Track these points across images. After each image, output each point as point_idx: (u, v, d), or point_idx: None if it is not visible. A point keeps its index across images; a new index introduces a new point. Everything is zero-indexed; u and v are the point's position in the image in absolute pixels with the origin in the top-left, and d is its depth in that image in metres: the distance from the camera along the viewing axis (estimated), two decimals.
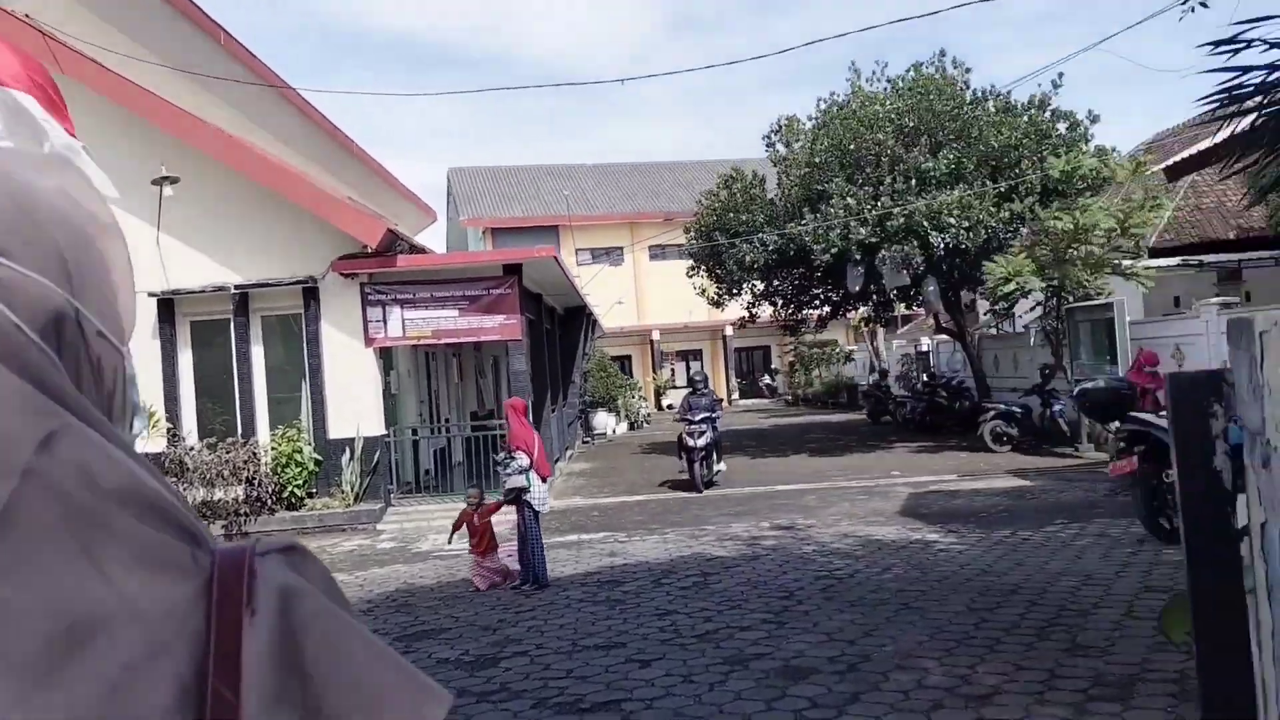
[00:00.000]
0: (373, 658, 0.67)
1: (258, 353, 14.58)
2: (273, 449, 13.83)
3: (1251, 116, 5.66)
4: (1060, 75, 19.69)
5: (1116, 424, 9.82)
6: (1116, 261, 16.99)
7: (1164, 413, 10.23)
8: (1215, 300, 15.02)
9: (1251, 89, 5.63)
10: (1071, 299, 17.30)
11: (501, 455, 9.08)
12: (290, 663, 0.63)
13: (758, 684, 5.88)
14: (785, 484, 15.35)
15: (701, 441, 14.89)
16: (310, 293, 14.35)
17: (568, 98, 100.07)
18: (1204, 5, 6.66)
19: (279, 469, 13.66)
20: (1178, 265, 19.75)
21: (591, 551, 10.87)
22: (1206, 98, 5.97)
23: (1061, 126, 18.95)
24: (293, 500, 13.69)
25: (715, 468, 15.58)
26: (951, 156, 18.21)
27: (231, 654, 0.61)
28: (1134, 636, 6.18)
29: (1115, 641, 6.09)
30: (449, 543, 10.10)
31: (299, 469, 13.77)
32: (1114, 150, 18.58)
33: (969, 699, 5.34)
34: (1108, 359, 15.89)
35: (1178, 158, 12.08)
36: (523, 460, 9.15)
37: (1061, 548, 9.27)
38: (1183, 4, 6.63)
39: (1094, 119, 18.88)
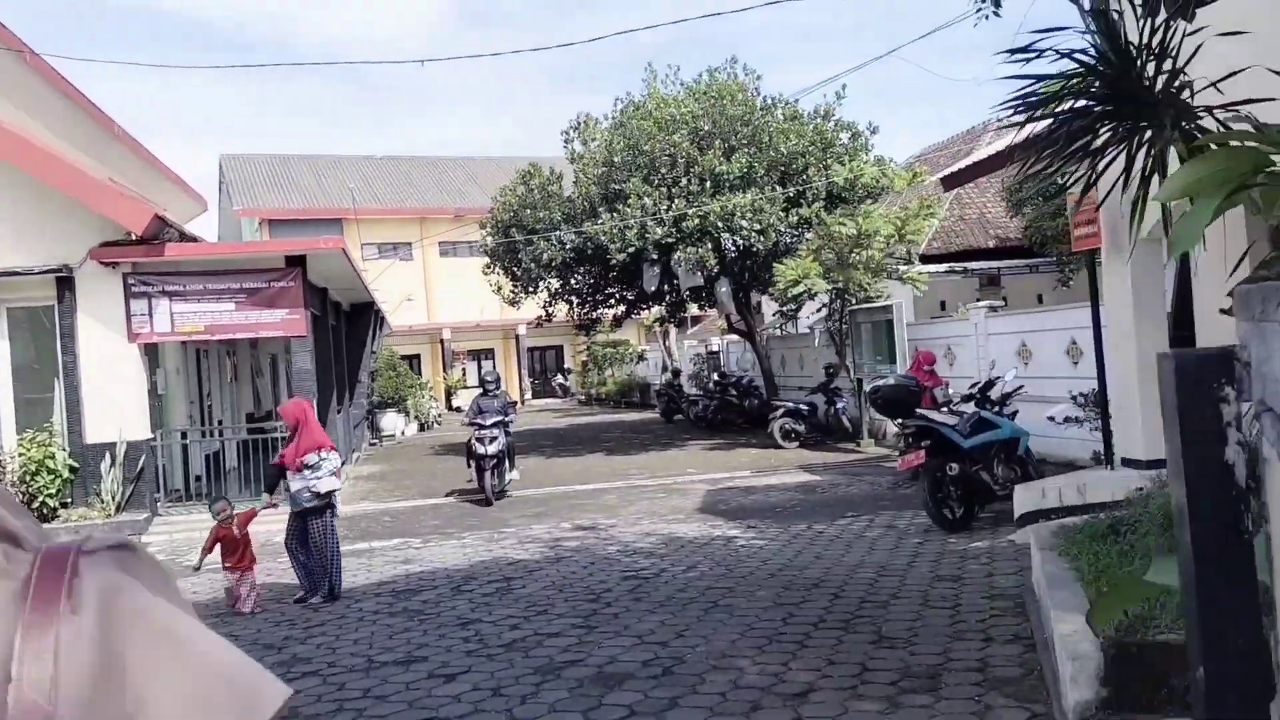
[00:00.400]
0: (203, 653, 0.66)
1: (2, 349, 13.02)
2: (20, 455, 12.38)
3: (1048, 122, 5.90)
4: (844, 87, 20.65)
5: (901, 420, 10.25)
6: (894, 266, 17.90)
7: (945, 409, 10.78)
8: (983, 304, 16.06)
9: (1042, 97, 5.89)
10: (854, 301, 18.09)
11: (312, 457, 8.36)
12: (111, 659, 0.63)
13: (572, 694, 5.63)
14: (584, 483, 15.20)
15: (493, 448, 13.55)
16: (65, 283, 12.94)
17: (354, 88, 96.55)
18: (996, 14, 6.95)
19: (28, 477, 12.24)
20: (945, 271, 21.09)
21: (385, 559, 10.30)
22: (1003, 103, 6.21)
23: (844, 136, 19.79)
24: (45, 511, 12.30)
25: (508, 476, 14.24)
26: (744, 161, 18.64)
27: (44, 653, 0.61)
28: (933, 626, 6.35)
29: (918, 632, 6.24)
30: (197, 568, 8.89)
31: (51, 477, 12.39)
32: (891, 161, 19.58)
33: (786, 697, 5.29)
34: (887, 358, 16.69)
35: (954, 168, 12.83)
36: (335, 460, 8.52)
37: (855, 540, 9.54)
38: (977, 11, 6.90)
39: (873, 130, 19.85)
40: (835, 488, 13.19)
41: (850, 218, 17.38)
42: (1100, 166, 6.10)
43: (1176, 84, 5.68)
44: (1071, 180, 6.12)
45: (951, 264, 21.77)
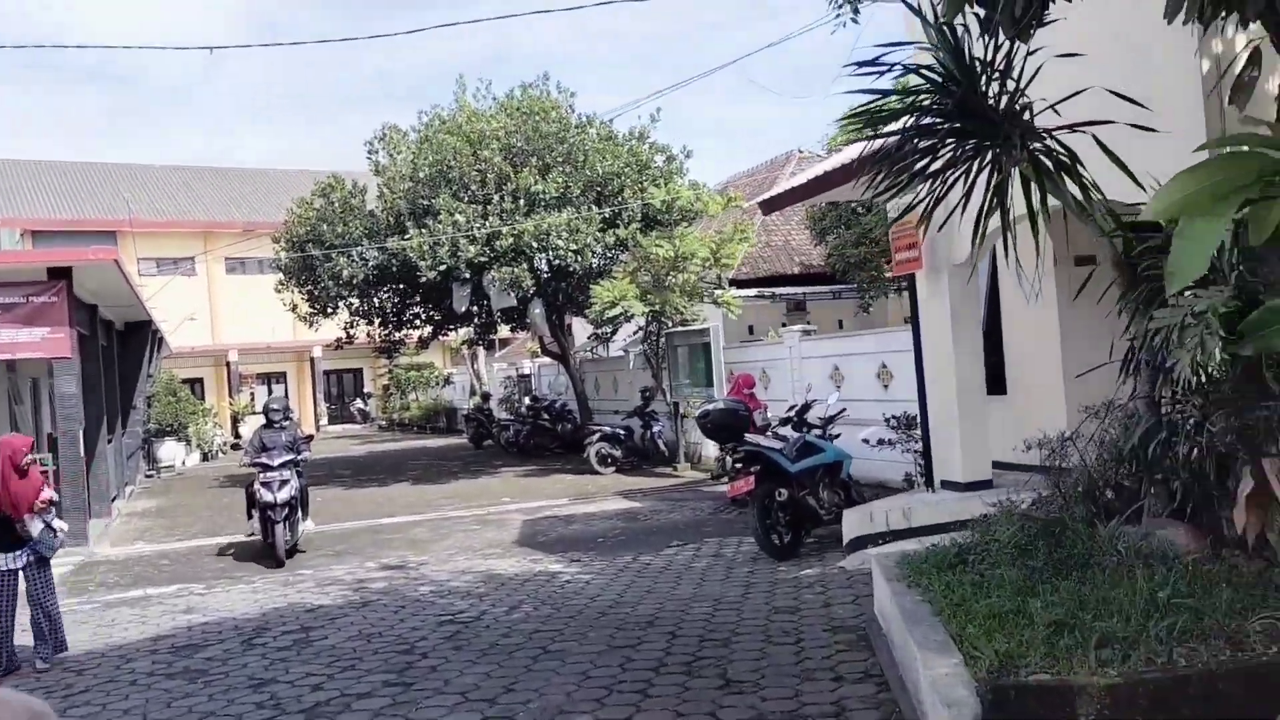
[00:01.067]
0: None
1: None
2: None
3: (885, 141, 5.71)
4: (658, 110, 20.52)
5: (730, 446, 10.00)
6: (709, 289, 17.89)
7: (769, 433, 10.62)
8: (796, 328, 16.20)
9: (888, 111, 5.70)
10: (670, 324, 17.94)
11: (37, 524, 7.21)
12: None
13: None
14: (390, 516, 14.24)
15: (283, 494, 10.86)
16: None
17: (132, 96, 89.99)
18: (855, 20, 6.81)
19: None
20: (754, 296, 21.39)
21: (162, 609, 9.12)
22: (848, 117, 6.00)
23: (659, 159, 19.69)
24: None
25: (301, 528, 11.48)
26: (560, 180, 18.20)
27: None
28: (780, 665, 6.00)
29: (764, 673, 5.86)
30: None
31: None
32: (704, 185, 19.63)
33: None
34: (704, 381, 16.58)
35: (774, 192, 12.83)
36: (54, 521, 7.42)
37: (685, 570, 9.17)
38: (835, 17, 6.74)
39: (688, 154, 19.86)
40: (657, 514, 12.84)
41: (667, 240, 17.23)
42: (940, 187, 5.99)
43: (1019, 104, 5.61)
44: (915, 200, 5.96)
45: (760, 289, 22.13)
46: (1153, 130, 5.45)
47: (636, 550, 10.38)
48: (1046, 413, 9.76)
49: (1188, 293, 4.69)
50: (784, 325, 20.25)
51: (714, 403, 9.73)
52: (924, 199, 5.94)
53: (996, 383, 10.15)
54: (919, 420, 9.38)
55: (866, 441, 12.00)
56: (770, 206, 12.79)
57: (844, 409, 10.59)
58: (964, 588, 5.09)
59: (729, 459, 10.50)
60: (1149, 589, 4.47)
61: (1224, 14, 4.52)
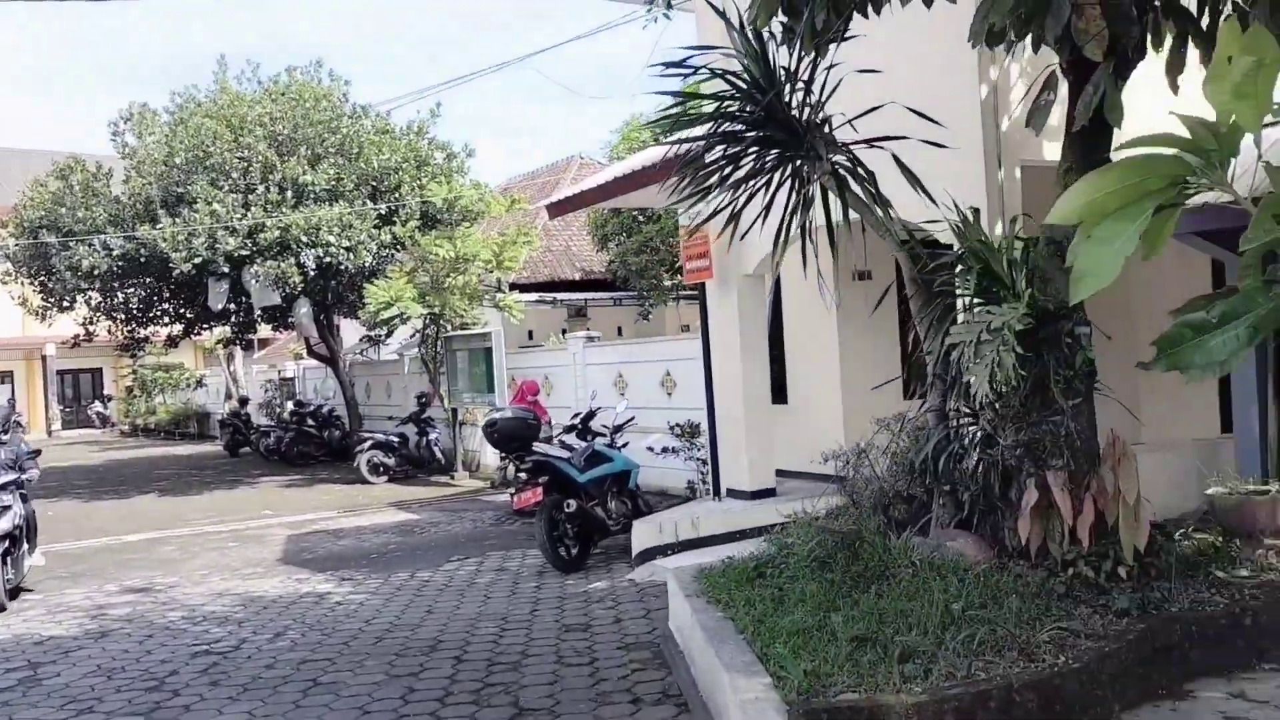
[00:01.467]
0: None
1: None
2: None
3: (699, 144, 5.59)
4: (438, 105, 19.87)
5: (516, 455, 9.64)
6: (491, 292, 17.46)
7: (557, 442, 10.36)
8: (580, 334, 16.05)
9: (693, 116, 5.57)
10: (450, 327, 17.36)
11: None
12: None
13: None
14: (134, 533, 12.93)
15: (3, 523, 8.71)
16: None
17: None
18: (667, 16, 6.64)
19: None
20: (535, 301, 21.13)
21: None
22: (655, 121, 5.83)
23: (440, 156, 19.06)
24: None
25: (27, 563, 9.58)
26: (331, 172, 17.24)
27: None
28: (574, 689, 5.72)
29: (560, 699, 5.57)
30: None
31: None
32: (487, 186, 19.16)
33: None
34: (485, 388, 16.13)
35: (562, 194, 12.59)
36: None
37: (467, 587, 8.74)
38: (648, 11, 6.55)
39: (470, 152, 19.34)
40: (435, 526, 12.29)
41: (448, 240, 16.65)
42: (743, 196, 5.92)
43: (819, 117, 5.62)
44: (718, 208, 5.87)
45: (541, 294, 21.88)
46: (943, 147, 5.60)
47: (414, 566, 9.84)
48: (825, 422, 10.04)
49: (979, 309, 4.81)
50: (564, 331, 20.11)
51: (501, 411, 9.37)
52: (726, 206, 5.86)
53: (778, 392, 10.36)
54: (708, 428, 9.39)
55: (651, 449, 11.99)
56: (558, 210, 12.55)
57: (633, 417, 10.50)
58: (765, 603, 5.00)
59: (512, 467, 10.16)
60: (944, 600, 4.52)
61: (1019, 39, 4.66)
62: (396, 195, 17.98)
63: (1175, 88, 4.69)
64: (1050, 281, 4.79)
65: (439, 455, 17.70)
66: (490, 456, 16.61)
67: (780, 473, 9.59)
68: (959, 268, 5.26)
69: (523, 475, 9.21)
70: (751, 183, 5.71)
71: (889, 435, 5.66)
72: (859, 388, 9.91)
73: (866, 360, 9.97)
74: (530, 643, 6.80)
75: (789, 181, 5.64)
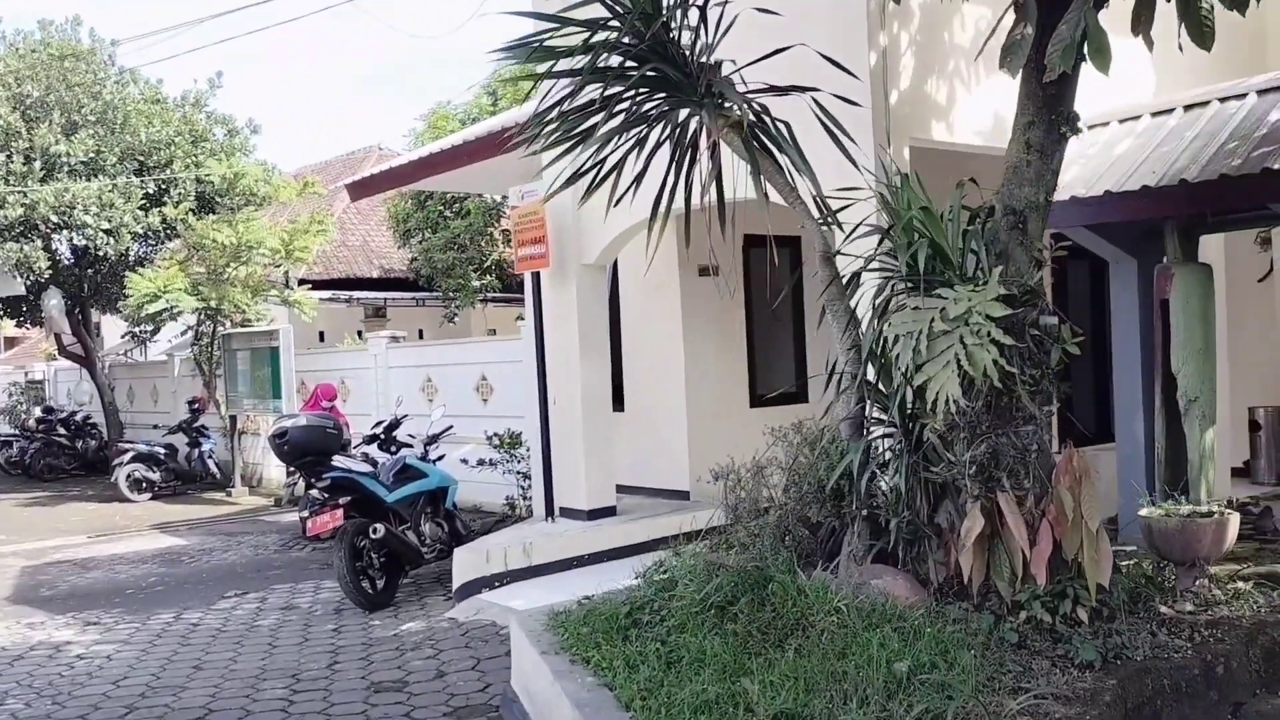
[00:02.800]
0: None
1: None
2: None
3: (569, 82, 4.45)
4: (219, 75, 17.65)
5: (311, 471, 8.13)
6: (278, 286, 15.60)
7: (361, 455, 8.91)
8: (384, 333, 14.48)
9: (560, 50, 4.44)
10: (229, 324, 15.37)
11: None
12: None
13: None
14: None
15: None
16: None
17: None
18: None
19: None
20: (328, 298, 19.29)
21: None
22: (505, 49, 4.65)
23: (220, 131, 16.97)
24: None
25: None
26: (90, 143, 14.91)
27: None
28: None
29: None
30: None
31: None
32: (275, 168, 17.20)
33: None
34: (270, 392, 14.28)
35: (364, 174, 11.08)
36: None
37: (247, 632, 7.21)
38: None
39: (255, 129, 17.34)
40: (208, 554, 10.50)
41: (228, 224, 14.69)
42: (614, 155, 4.84)
43: (713, 59, 4.62)
44: (580, 170, 4.75)
45: (335, 291, 20.03)
46: (857, 105, 4.72)
47: (180, 604, 8.16)
48: (667, 432, 9.10)
49: (925, 297, 3.92)
50: (360, 333, 18.40)
51: (293, 418, 7.83)
52: (589, 168, 4.76)
53: (614, 399, 9.31)
54: (540, 439, 8.21)
55: (465, 462, 10.70)
56: (361, 190, 11.05)
57: (450, 426, 9.18)
58: (651, 664, 3.91)
59: (301, 484, 8.64)
60: (883, 658, 3.58)
61: None
62: (169, 172, 15.79)
63: (1150, 44, 4.00)
64: (1009, 260, 3.99)
65: (214, 469, 15.65)
66: (275, 470, 14.77)
67: (618, 488, 8.55)
68: (883, 245, 4.37)
69: (318, 495, 7.73)
70: (625, 136, 4.63)
71: (786, 447, 4.69)
72: (705, 394, 9.02)
73: (712, 364, 9.10)
74: (331, 710, 5.44)
75: (671, 137, 4.60)
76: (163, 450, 15.56)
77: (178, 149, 15.94)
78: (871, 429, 4.41)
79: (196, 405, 15.98)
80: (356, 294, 20.60)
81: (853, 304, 4.58)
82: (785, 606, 3.94)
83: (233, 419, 15.28)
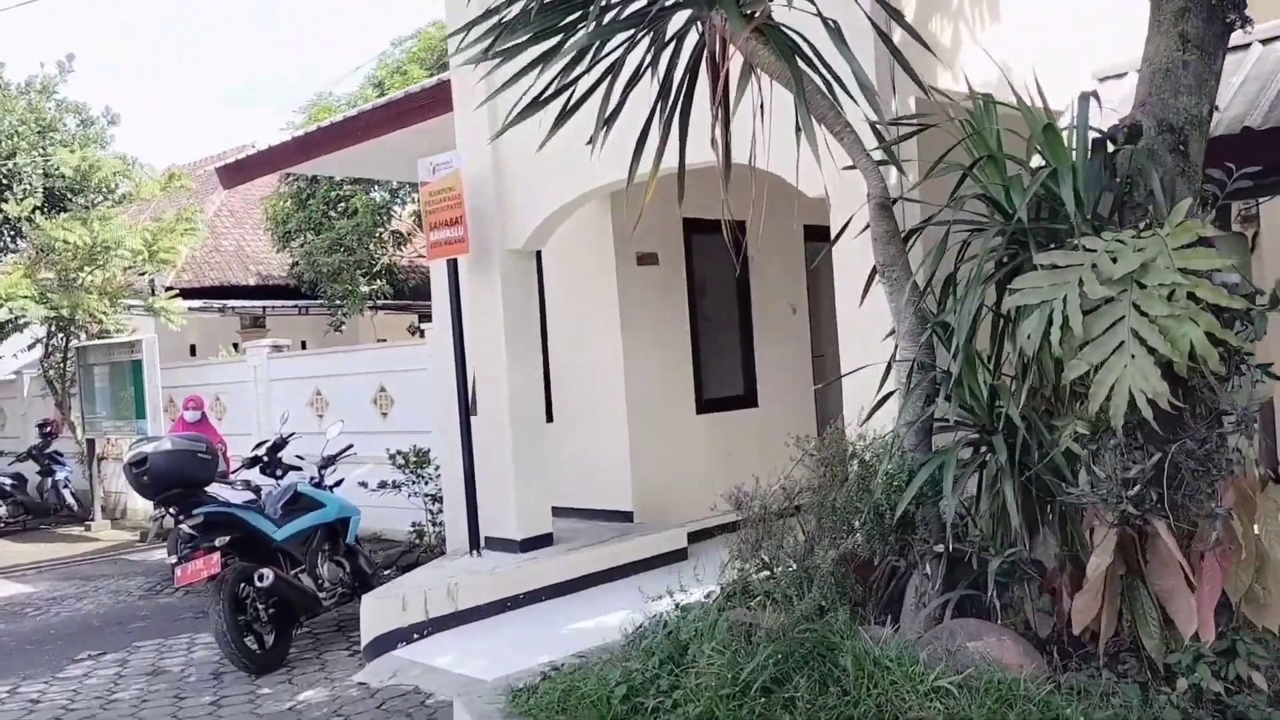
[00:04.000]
0: None
1: None
2: None
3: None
4: (70, 58, 15.67)
5: (172, 503, 6.66)
6: (143, 293, 13.85)
7: (239, 483, 7.47)
8: (264, 342, 12.89)
9: None
10: (84, 335, 13.54)
11: None
12: None
13: None
14: None
15: None
16: None
17: None
18: None
19: None
20: (200, 307, 17.52)
21: None
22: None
23: (71, 121, 15.07)
24: None
25: None
26: None
27: None
28: None
29: None
30: None
31: None
32: (136, 160, 15.34)
33: None
34: (134, 411, 12.55)
35: (240, 155, 9.59)
36: None
37: (101, 710, 5.75)
38: None
39: (113, 119, 15.46)
40: (59, 603, 8.85)
41: (80, 222, 12.89)
42: (583, 81, 3.68)
43: None
44: (540, 95, 3.57)
45: (207, 300, 18.21)
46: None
47: (20, 671, 6.60)
48: (603, 444, 7.93)
49: (1073, 243, 2.84)
50: (236, 345, 16.70)
51: (153, 441, 6.33)
52: (551, 94, 3.58)
53: None
54: (462, 457, 6.91)
55: (364, 485, 9.34)
56: (237, 174, 9.57)
57: (350, 446, 7.80)
58: None
59: (173, 522, 7.18)
60: None
61: None
62: (12, 166, 13.86)
63: None
64: (1171, 196, 2.97)
65: (70, 500, 13.76)
66: (141, 500, 13.00)
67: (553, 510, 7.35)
68: (962, 185, 3.32)
69: (188, 532, 6.29)
70: (593, 57, 3.47)
71: (812, 463, 3.60)
72: (647, 400, 7.89)
73: (654, 366, 7.98)
74: None
75: (653, 63, 3.46)
76: (9, 481, 13.62)
77: (21, 139, 14.02)
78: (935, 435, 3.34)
79: (48, 429, 14.06)
80: (231, 303, 18.83)
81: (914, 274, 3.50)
82: (862, 687, 2.83)
83: (90, 443, 13.46)
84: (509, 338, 6.80)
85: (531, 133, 6.72)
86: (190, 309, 15.59)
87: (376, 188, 18.07)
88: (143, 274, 14.53)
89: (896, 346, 3.52)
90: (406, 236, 19.60)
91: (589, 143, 3.42)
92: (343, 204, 17.79)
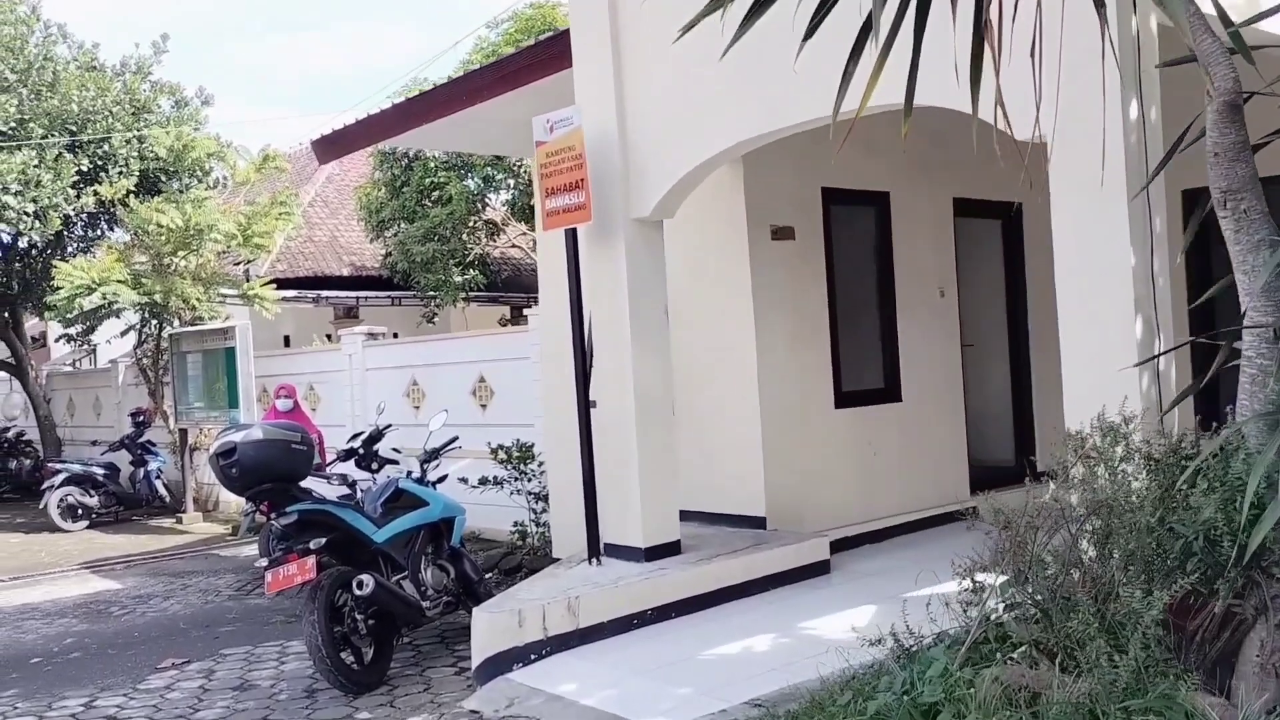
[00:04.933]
0: None
1: None
2: None
3: None
4: (164, 38, 15.38)
5: (266, 500, 6.02)
6: (236, 280, 13.49)
7: (334, 478, 6.83)
8: (359, 328, 12.36)
9: None
10: (178, 322, 13.21)
11: None
12: None
13: None
14: None
15: None
16: None
17: None
18: None
19: None
20: (294, 297, 17.20)
21: None
22: None
23: (165, 102, 14.79)
24: None
25: None
26: (11, 108, 12.70)
27: None
28: None
29: None
30: None
31: None
32: (232, 143, 15.02)
33: None
34: (226, 401, 12.14)
35: (338, 127, 8.98)
36: None
37: None
38: None
39: (206, 100, 15.16)
40: (144, 602, 8.37)
41: (174, 205, 12.54)
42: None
43: None
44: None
45: (301, 290, 17.89)
46: None
47: (98, 682, 6.05)
48: (729, 440, 7.09)
49: None
50: (330, 335, 16.32)
51: (243, 430, 5.66)
52: None
53: None
54: (583, 456, 6.11)
55: (464, 481, 8.69)
56: (333, 147, 8.93)
57: (455, 438, 7.08)
58: None
59: (266, 519, 6.55)
60: None
61: None
62: (107, 148, 13.61)
63: None
64: None
65: (162, 491, 13.46)
66: (247, 505, 12.63)
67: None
68: None
69: (281, 530, 5.63)
70: None
71: (1106, 468, 2.70)
72: (782, 393, 7.02)
73: (789, 354, 7.10)
74: None
75: None
76: (101, 470, 13.35)
77: (117, 120, 13.76)
78: None
79: (141, 418, 13.78)
80: (325, 293, 18.54)
81: None
82: None
83: (183, 433, 13.12)
84: (634, 320, 6.00)
85: (665, 85, 6.01)
86: (284, 299, 15.24)
87: (471, 176, 17.53)
88: (238, 263, 14.20)
89: (1247, 313, 2.59)
90: (500, 226, 19.06)
91: (801, 46, 2.58)
92: (437, 192, 17.28)
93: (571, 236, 6.04)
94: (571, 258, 6.03)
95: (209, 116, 15.17)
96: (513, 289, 20.24)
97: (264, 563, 5.60)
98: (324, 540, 5.48)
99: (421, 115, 8.00)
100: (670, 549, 6.09)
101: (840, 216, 7.42)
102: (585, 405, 6.07)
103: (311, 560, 5.36)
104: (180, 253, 12.69)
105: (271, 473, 5.45)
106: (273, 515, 5.63)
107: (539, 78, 6.83)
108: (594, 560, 6.05)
